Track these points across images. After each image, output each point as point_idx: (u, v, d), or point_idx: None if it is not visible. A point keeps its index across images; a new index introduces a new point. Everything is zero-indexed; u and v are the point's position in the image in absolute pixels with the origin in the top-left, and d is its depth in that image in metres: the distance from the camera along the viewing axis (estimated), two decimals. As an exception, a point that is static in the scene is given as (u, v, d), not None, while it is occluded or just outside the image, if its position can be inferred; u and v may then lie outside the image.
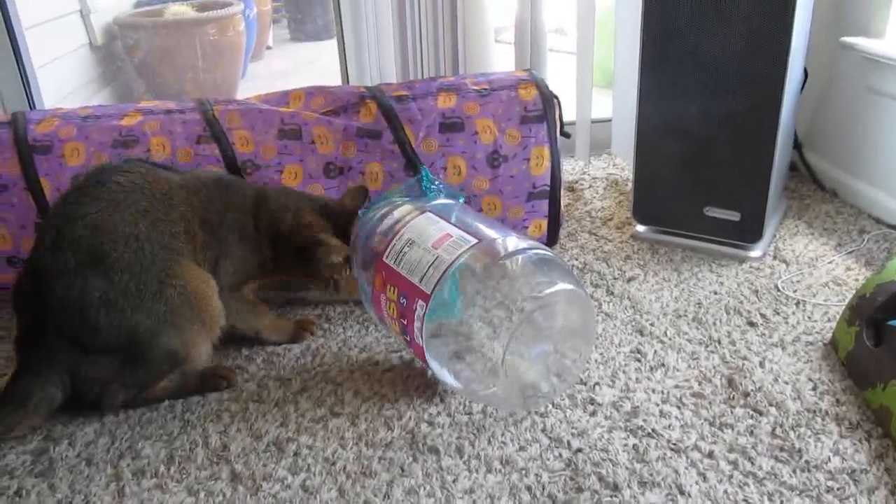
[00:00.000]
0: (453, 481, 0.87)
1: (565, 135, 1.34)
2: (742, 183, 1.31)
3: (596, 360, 1.08)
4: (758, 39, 1.21)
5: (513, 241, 0.95)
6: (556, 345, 0.95)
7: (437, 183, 1.14)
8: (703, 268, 1.34)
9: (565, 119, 1.35)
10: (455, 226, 0.99)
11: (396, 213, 1.05)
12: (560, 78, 1.81)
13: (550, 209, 1.31)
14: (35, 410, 0.92)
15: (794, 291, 1.25)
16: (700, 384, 1.03)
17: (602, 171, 1.80)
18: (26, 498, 0.87)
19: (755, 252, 1.36)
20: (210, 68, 3.12)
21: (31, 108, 1.79)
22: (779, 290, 1.25)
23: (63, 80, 2.58)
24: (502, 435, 0.94)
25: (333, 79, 1.85)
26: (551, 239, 1.36)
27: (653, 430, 0.94)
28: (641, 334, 1.15)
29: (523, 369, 0.93)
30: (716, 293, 1.26)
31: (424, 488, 0.86)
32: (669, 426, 0.95)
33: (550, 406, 0.99)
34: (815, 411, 0.96)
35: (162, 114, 1.29)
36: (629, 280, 1.31)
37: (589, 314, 0.96)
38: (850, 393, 0.99)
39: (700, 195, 1.36)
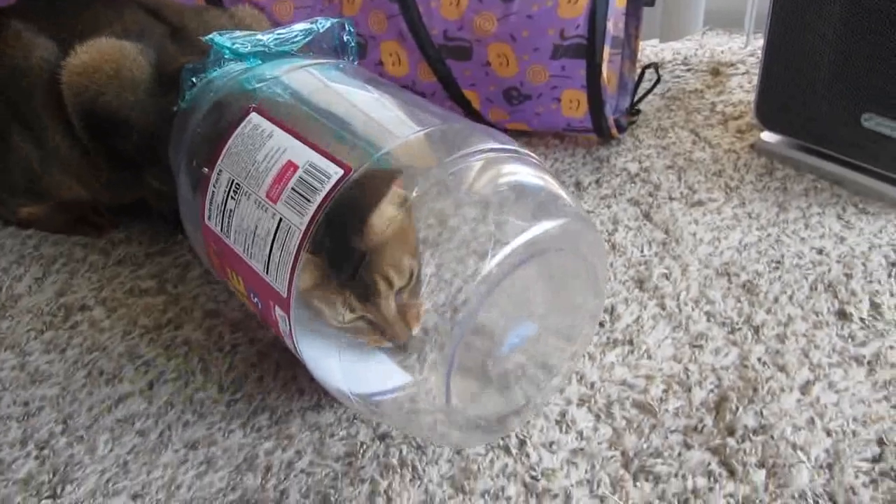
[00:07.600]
0: None
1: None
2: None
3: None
4: None
5: (418, 148, 0.50)
6: (543, 320, 0.52)
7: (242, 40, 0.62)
8: (828, 210, 0.82)
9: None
10: (310, 135, 0.52)
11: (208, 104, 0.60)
12: None
13: (589, 77, 0.86)
14: None
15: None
16: (666, 390, 0.60)
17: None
18: None
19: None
20: None
21: None
22: (938, 272, 0.72)
23: None
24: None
25: None
26: (597, 126, 0.91)
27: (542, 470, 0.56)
28: (640, 288, 0.72)
29: (481, 386, 0.50)
30: (819, 253, 0.75)
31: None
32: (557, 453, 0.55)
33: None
34: None
35: None
36: (693, 205, 0.84)
37: (598, 258, 0.53)
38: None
39: (858, 92, 0.81)
